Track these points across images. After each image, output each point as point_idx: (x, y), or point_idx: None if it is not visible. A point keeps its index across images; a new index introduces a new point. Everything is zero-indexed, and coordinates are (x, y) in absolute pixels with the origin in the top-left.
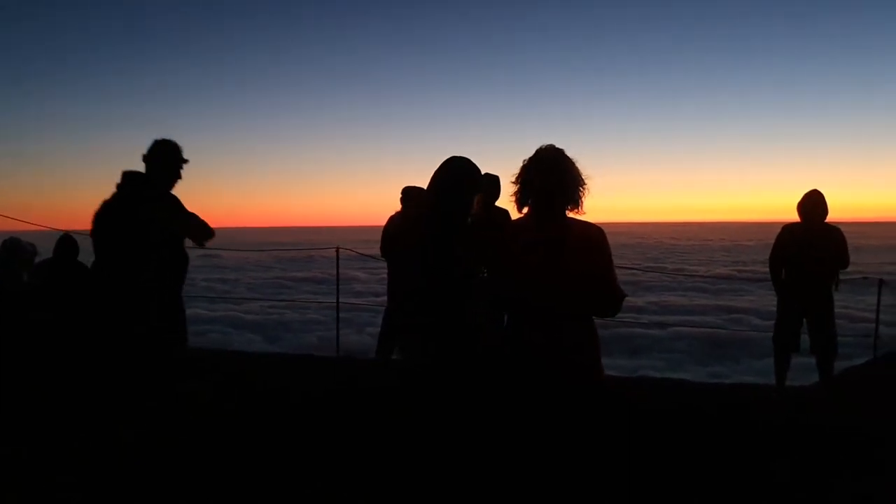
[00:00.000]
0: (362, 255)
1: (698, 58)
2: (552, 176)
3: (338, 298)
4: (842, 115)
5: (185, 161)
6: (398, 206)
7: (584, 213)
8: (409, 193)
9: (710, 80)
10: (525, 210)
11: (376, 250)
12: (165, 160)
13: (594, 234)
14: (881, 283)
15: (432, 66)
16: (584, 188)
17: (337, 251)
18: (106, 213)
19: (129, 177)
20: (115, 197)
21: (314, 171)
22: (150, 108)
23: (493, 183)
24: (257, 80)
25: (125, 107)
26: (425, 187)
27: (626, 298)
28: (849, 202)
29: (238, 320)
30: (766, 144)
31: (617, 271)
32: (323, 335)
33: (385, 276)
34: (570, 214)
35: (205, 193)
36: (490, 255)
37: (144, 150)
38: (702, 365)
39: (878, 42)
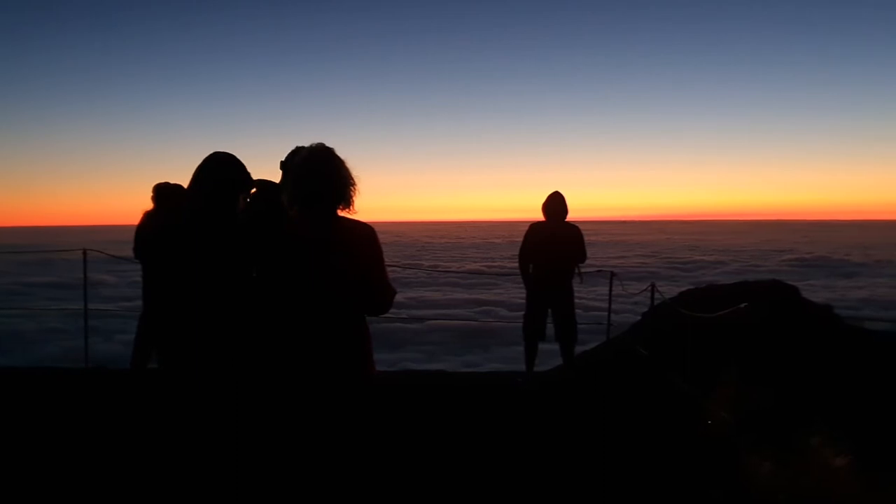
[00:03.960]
0: (113, 256)
1: (446, 61)
2: (323, 175)
3: (86, 304)
4: (581, 121)
5: None
6: (149, 205)
7: (356, 213)
8: (162, 191)
9: (463, 86)
10: (295, 209)
11: (126, 252)
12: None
13: (365, 233)
14: (612, 275)
15: (190, 50)
16: (354, 187)
17: (84, 253)
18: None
19: (264, 188)
20: (245, 212)
21: (51, 166)
22: None
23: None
24: None
25: None
26: (180, 185)
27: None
28: (586, 202)
29: None
30: (510, 147)
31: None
32: (68, 345)
33: (138, 279)
34: (341, 213)
35: None
36: (260, 254)
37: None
38: (456, 355)
39: (618, 47)
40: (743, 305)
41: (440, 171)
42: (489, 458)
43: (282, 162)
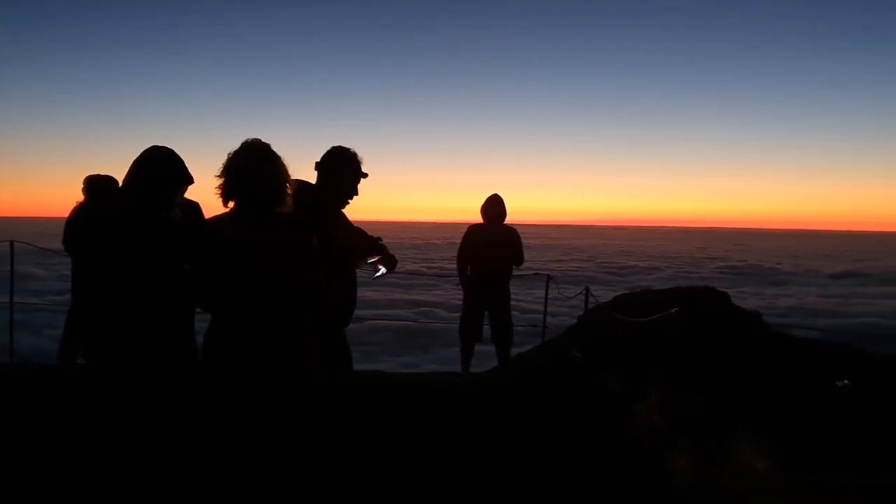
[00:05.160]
0: (43, 249)
1: (388, 60)
2: (262, 175)
3: (12, 298)
4: (521, 123)
5: (364, 175)
6: (80, 197)
7: (291, 210)
8: (94, 184)
9: (406, 84)
10: (231, 204)
11: (57, 244)
12: (343, 171)
13: (302, 231)
14: (549, 278)
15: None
16: (289, 185)
17: (11, 245)
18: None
19: (303, 189)
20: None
21: None
22: None
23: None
24: None
25: None
26: (112, 177)
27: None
28: (525, 205)
29: None
30: (451, 148)
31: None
32: None
33: (68, 272)
34: (276, 211)
35: None
36: (198, 249)
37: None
38: (394, 356)
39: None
40: (674, 311)
41: (380, 171)
42: (427, 459)
43: (317, 163)
